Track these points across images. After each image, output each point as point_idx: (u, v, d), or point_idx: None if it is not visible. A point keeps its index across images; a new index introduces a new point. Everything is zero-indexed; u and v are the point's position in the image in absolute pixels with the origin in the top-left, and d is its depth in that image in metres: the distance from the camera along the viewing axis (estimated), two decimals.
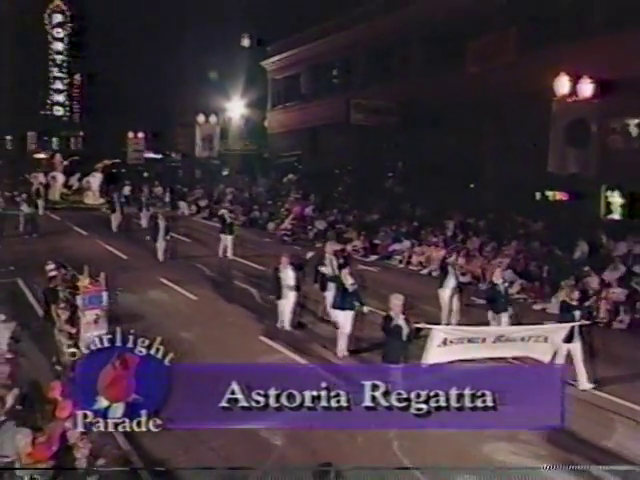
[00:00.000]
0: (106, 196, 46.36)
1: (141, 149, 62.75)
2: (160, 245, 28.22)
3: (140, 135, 62.14)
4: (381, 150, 40.22)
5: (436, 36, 37.45)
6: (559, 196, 29.22)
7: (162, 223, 28.62)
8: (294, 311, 18.28)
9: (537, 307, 21.43)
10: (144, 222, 36.29)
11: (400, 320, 12.78)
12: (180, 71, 60.17)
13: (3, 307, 16.36)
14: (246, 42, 59.27)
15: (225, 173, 59.75)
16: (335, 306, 16.57)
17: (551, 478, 10.22)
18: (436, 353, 12.95)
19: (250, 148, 57.37)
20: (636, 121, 26.63)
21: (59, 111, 76.38)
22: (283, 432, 11.88)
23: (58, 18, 74.41)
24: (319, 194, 42.24)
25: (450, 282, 19.03)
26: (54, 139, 75.06)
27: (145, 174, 62.24)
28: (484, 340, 13.40)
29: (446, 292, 18.91)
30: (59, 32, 74.77)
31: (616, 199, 27.35)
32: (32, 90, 72.32)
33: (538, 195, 30.24)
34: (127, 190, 44.45)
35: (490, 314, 17.04)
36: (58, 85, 76.15)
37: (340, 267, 18.51)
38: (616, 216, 27.37)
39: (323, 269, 19.08)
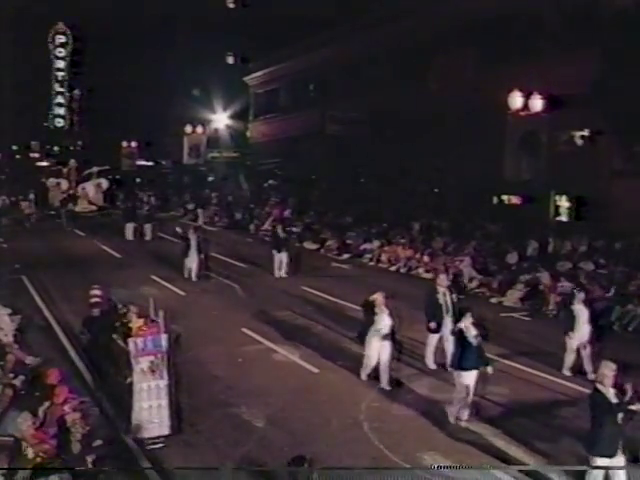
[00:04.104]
0: (109, 202, 45.60)
1: (134, 157, 62.49)
2: (189, 262, 23.62)
3: (133, 144, 61.89)
4: (353, 158, 40.25)
5: (403, 55, 37.59)
6: (513, 200, 29.36)
7: (194, 238, 23.86)
8: (390, 366, 13.40)
9: (494, 300, 21.54)
10: (149, 235, 34.05)
11: (611, 395, 8.68)
12: (170, 86, 59.87)
13: (9, 302, 16.35)
14: (230, 60, 59.04)
15: (211, 179, 59.64)
16: (454, 364, 11.93)
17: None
18: None
19: (234, 156, 57.25)
20: (580, 133, 26.84)
21: (60, 123, 75.89)
22: (264, 415, 11.95)
23: (61, 39, 74.22)
24: (297, 198, 42.26)
25: (583, 327, 13.99)
26: (55, 148, 74.69)
27: (138, 180, 62.05)
28: None
29: (576, 337, 13.98)
30: (61, 51, 74.50)
31: (564, 203, 27.53)
32: (35, 103, 71.91)
33: (495, 199, 30.38)
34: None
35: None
36: (59, 99, 75.77)
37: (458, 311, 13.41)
38: (564, 218, 27.55)
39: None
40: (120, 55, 64.44)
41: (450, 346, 13.32)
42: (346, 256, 29.35)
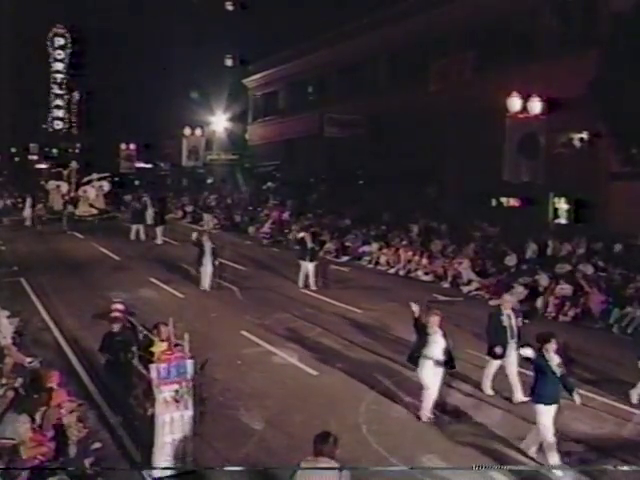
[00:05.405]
0: (111, 205, 45.09)
1: (133, 159, 62.49)
2: (205, 271, 22.37)
3: (132, 146, 61.86)
4: (352, 160, 40.30)
5: (402, 56, 37.69)
6: (512, 202, 29.43)
7: (208, 245, 22.52)
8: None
9: (493, 303, 21.48)
10: (159, 238, 33.25)
11: None
12: (169, 89, 60.01)
13: (7, 304, 16.32)
14: (229, 62, 59.20)
15: (210, 181, 59.68)
16: (536, 398, 10.40)
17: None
18: None
19: (233, 158, 57.31)
20: (579, 135, 26.90)
21: (59, 125, 76.04)
22: (262, 417, 11.94)
23: (60, 41, 74.26)
24: (296, 200, 42.28)
25: None
26: (54, 150, 74.65)
27: (136, 182, 62.05)
28: None
29: None
30: (60, 54, 74.58)
31: (562, 205, 27.63)
32: (34, 106, 71.99)
33: (494, 201, 30.43)
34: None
35: None
36: (58, 101, 75.91)
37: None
38: (562, 220, 27.64)
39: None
40: (119, 57, 64.58)
41: (513, 373, 12.83)
42: (345, 258, 29.35)
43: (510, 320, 13.02)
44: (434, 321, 11.86)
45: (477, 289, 23.14)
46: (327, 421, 11.75)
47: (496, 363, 13.03)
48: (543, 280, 21.12)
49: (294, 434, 11.00)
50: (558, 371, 10.22)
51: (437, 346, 11.77)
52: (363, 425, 11.67)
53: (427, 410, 11.85)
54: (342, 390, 13.44)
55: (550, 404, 10.23)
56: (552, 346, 10.32)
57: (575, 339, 14.47)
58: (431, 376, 11.80)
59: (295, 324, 18.30)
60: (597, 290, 19.63)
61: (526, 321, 13.94)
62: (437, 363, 11.79)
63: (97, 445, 9.64)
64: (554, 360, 10.26)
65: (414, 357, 12.03)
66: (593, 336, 17.43)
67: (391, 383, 13.64)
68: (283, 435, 11.19)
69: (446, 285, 24.16)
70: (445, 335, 11.95)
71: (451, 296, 22.33)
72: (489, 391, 13.17)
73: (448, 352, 11.96)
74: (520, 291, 21.03)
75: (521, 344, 12.08)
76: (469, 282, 23.55)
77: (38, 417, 9.46)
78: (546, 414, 10.22)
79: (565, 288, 20.39)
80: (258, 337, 16.88)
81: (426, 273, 25.60)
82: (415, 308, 12.17)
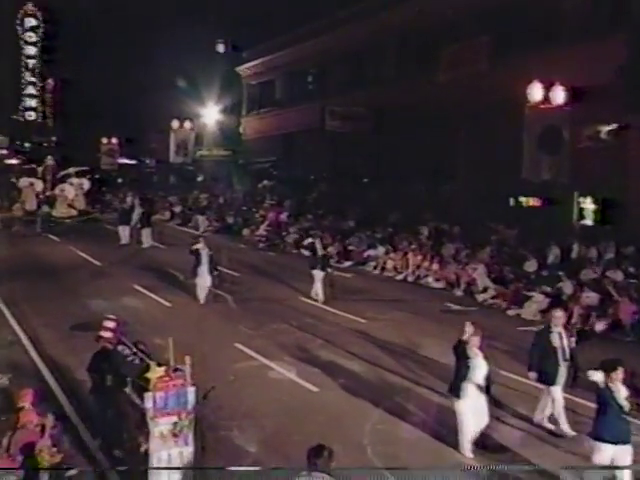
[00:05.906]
0: (92, 205, 44.91)
1: (115, 155, 62.38)
2: (200, 282, 21.73)
3: (114, 140, 61.80)
4: (355, 156, 40.28)
5: (409, 44, 37.62)
6: (532, 202, 29.30)
7: (205, 252, 21.70)
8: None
9: (511, 313, 21.42)
10: (147, 241, 33.65)
11: None
12: (155, 76, 59.90)
13: None
14: (221, 48, 59.05)
15: (200, 179, 59.59)
16: (595, 433, 9.80)
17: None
18: None
19: (225, 154, 57.18)
20: (607, 127, 26.78)
21: (31, 116, 75.42)
22: (257, 439, 11.86)
23: (31, 22, 73.37)
24: (294, 200, 42.22)
25: None
26: (26, 144, 74.15)
27: (119, 180, 61.93)
28: None
29: None
30: (31, 36, 73.72)
31: (588, 205, 27.48)
32: (4, 95, 71.60)
33: (512, 201, 30.32)
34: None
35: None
36: (30, 90, 75.24)
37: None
38: (589, 222, 27.49)
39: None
40: (99, 41, 64.28)
41: (560, 401, 12.17)
42: (348, 264, 29.27)
43: (562, 340, 12.26)
44: (474, 342, 11.20)
45: (493, 297, 23.06)
46: (328, 442, 11.62)
47: (552, 390, 12.23)
48: (567, 288, 21.02)
49: (292, 456, 10.90)
50: (625, 405, 9.57)
51: (479, 371, 11.18)
52: (368, 447, 11.59)
53: (467, 443, 11.23)
54: (345, 408, 13.37)
55: (612, 443, 9.58)
56: (619, 375, 9.66)
57: (605, 354, 14.30)
58: (472, 406, 11.20)
59: (293, 335, 18.25)
60: (627, 299, 19.50)
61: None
62: (479, 390, 11.22)
63: (72, 472, 9.42)
64: (621, 392, 9.60)
65: (456, 387, 11.36)
66: (624, 350, 17.29)
67: (399, 400, 13.57)
68: (280, 457, 11.08)
69: (459, 293, 24.09)
70: (487, 358, 11.40)
71: (465, 305, 22.29)
72: (548, 424, 12.42)
73: (488, 378, 11.43)
74: (541, 300, 20.98)
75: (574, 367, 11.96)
76: (484, 290, 23.47)
77: (5, 442, 9.29)
78: (604, 453, 9.60)
79: (591, 297, 20.28)
80: (253, 350, 16.81)
81: (437, 280, 25.54)
82: (469, 329, 11.28)
